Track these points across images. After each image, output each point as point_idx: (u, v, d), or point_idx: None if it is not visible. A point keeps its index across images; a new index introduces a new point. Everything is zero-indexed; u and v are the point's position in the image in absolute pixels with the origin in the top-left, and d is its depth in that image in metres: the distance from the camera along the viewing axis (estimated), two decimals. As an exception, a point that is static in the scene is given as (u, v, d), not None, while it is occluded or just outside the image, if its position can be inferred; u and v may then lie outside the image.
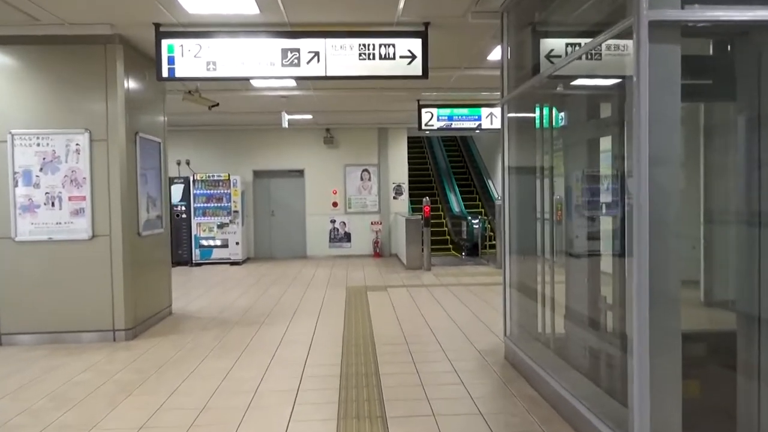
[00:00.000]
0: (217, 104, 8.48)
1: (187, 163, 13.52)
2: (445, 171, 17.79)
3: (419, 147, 20.00)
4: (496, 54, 6.68)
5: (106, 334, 5.89)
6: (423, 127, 10.25)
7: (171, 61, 5.54)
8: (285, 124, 9.89)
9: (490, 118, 10.23)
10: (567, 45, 4.41)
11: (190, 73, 5.60)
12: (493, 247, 13.22)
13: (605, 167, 3.94)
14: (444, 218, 16.40)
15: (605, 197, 3.87)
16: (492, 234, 13.32)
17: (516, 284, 5.34)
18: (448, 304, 7.66)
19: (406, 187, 13.99)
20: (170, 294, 7.35)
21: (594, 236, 4.11)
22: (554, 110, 4.77)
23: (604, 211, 3.92)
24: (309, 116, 11.93)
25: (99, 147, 5.85)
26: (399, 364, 4.94)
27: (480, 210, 16.86)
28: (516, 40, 5.10)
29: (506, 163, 5.35)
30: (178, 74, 5.58)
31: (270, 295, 8.68)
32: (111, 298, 5.88)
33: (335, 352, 5.31)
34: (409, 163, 18.43)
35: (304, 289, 9.08)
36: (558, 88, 4.82)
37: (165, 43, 5.52)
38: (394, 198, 13.85)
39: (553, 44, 4.53)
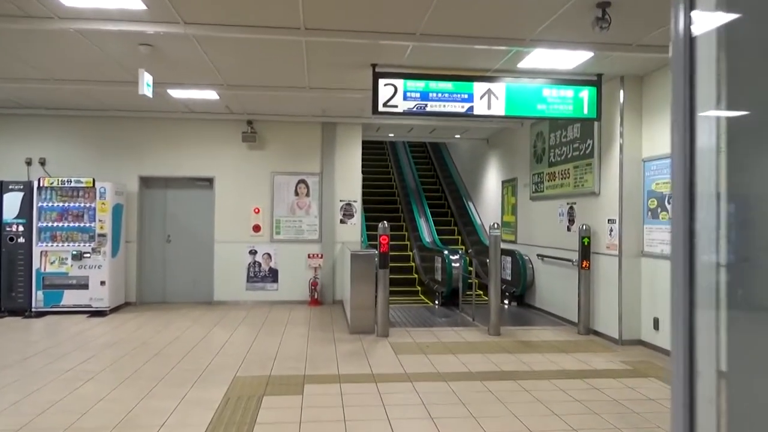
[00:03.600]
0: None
1: (42, 164, 9.29)
2: (414, 189, 13.89)
3: (380, 154, 16.11)
4: None
5: None
6: (381, 109, 6.36)
7: None
8: (144, 91, 5.83)
9: (488, 99, 6.41)
10: None
11: None
12: (480, 295, 9.39)
13: None
14: (411, 251, 12.45)
15: None
16: (476, 275, 9.42)
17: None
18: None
19: (359, 206, 10.02)
20: None
21: None
22: None
23: None
24: (212, 94, 7.91)
25: None
26: None
27: (458, 241, 12.96)
28: None
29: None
30: None
31: (75, 401, 4.53)
32: None
33: None
34: (365, 174, 14.55)
35: (149, 385, 4.96)
36: None
37: None
38: (342, 222, 9.85)
39: None
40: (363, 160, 15.13)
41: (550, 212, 8.64)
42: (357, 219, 9.91)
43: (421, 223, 12.37)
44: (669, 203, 6.15)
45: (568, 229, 8.04)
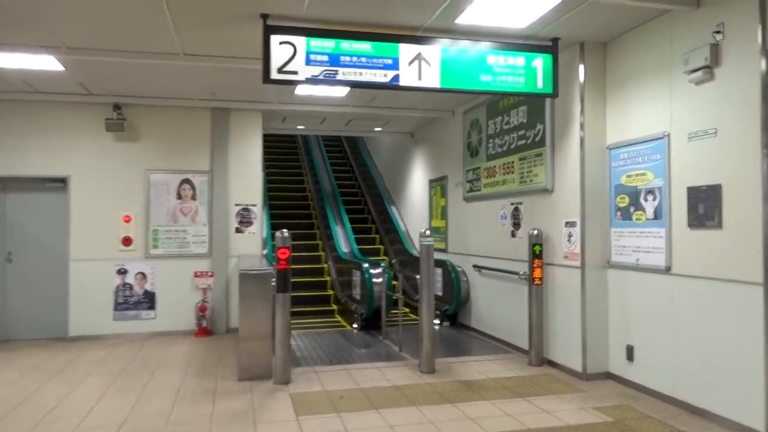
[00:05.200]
0: None
1: None
2: (330, 192, 12.20)
3: (291, 152, 14.31)
4: None
5: None
6: (275, 76, 4.65)
7: None
8: None
9: (419, 66, 4.85)
10: None
11: None
12: (410, 314, 7.83)
13: None
14: (326, 263, 10.75)
15: None
16: (403, 292, 7.90)
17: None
18: None
19: (259, 212, 8.20)
20: None
21: None
22: None
23: None
24: (52, 62, 5.89)
25: None
26: None
27: (380, 251, 11.40)
28: None
29: None
30: None
31: None
32: None
33: None
34: (274, 175, 12.73)
35: None
36: None
37: None
38: (239, 231, 8.00)
39: None
40: (271, 158, 13.29)
41: (488, 215, 7.23)
42: (257, 227, 8.09)
43: (338, 232, 10.70)
44: (646, 200, 4.84)
45: (513, 235, 6.64)
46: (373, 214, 12.31)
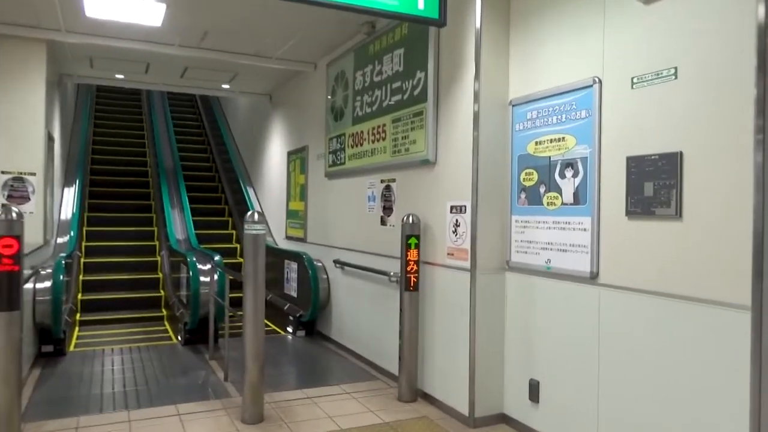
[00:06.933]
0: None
1: None
2: (171, 167, 9.96)
3: (133, 113, 11.83)
4: None
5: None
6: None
7: None
8: None
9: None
10: None
11: None
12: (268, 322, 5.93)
13: None
14: (159, 255, 8.60)
15: None
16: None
17: None
18: None
19: (39, 183, 5.90)
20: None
21: None
22: None
23: None
24: None
25: None
26: None
27: (232, 239, 9.42)
28: None
29: None
30: None
31: None
32: None
33: None
34: (98, 140, 10.32)
35: None
36: None
37: None
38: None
39: None
40: (103, 121, 10.97)
41: (353, 196, 5.58)
42: (36, 203, 5.80)
43: (173, 216, 8.56)
44: (563, 176, 3.39)
45: (383, 222, 5.03)
46: (227, 195, 10.26)
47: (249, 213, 3.86)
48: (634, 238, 2.93)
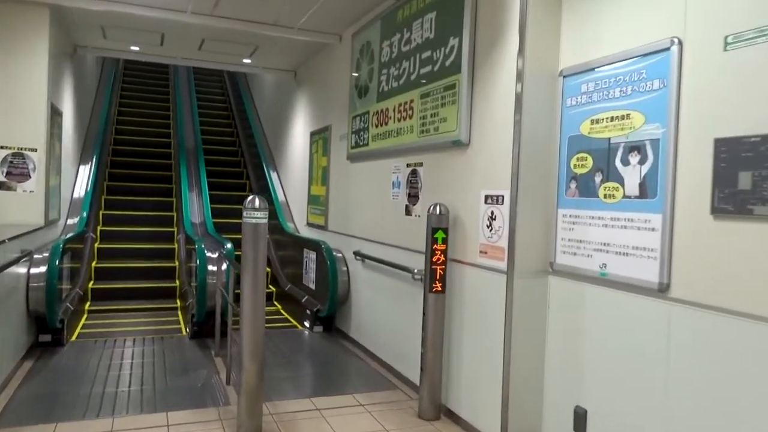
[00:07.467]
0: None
1: None
2: (192, 148, 9.56)
3: (160, 89, 11.48)
4: None
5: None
6: None
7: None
8: None
9: None
10: None
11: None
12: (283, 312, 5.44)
13: None
14: (176, 244, 8.22)
15: None
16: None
17: None
18: None
19: (40, 160, 5.49)
20: None
21: None
22: None
23: None
24: None
25: None
26: None
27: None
28: None
29: None
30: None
31: None
32: None
33: None
34: (121, 120, 10.01)
35: None
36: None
37: None
38: (8, 189, 5.29)
39: None
40: (129, 100, 10.70)
41: (377, 181, 5.00)
42: (37, 181, 5.40)
43: (191, 200, 8.15)
44: (626, 163, 2.74)
45: (408, 212, 4.45)
46: (251, 179, 9.82)
47: (249, 198, 3.33)
48: (722, 243, 2.28)
